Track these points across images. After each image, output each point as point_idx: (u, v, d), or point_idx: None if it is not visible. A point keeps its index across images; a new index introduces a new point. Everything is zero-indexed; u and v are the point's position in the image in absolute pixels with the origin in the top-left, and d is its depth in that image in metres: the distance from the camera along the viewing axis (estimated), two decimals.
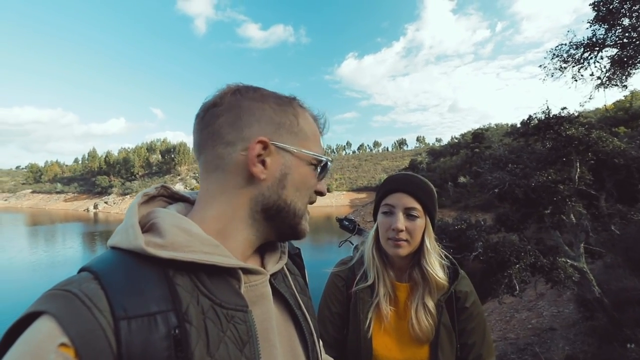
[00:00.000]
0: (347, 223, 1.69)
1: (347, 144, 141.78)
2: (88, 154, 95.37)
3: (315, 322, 0.70)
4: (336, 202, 73.96)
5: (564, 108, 7.06)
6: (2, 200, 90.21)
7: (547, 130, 7.13)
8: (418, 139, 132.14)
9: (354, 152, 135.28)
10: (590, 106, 19.31)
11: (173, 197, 0.65)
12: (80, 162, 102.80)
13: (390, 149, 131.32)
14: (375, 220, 1.25)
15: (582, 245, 6.64)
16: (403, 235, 1.11)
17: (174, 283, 0.47)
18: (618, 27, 6.04)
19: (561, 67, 7.00)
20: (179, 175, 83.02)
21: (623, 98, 25.24)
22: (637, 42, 5.88)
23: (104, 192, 77.65)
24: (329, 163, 0.66)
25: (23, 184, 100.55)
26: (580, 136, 6.54)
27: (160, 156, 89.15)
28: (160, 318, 0.44)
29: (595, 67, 6.67)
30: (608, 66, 6.54)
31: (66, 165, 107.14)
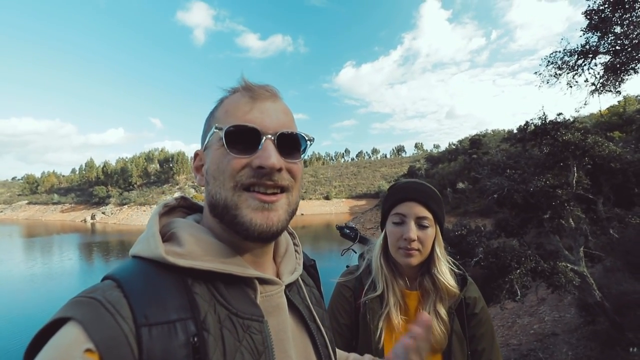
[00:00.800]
0: (348, 231, 1.62)
1: (345, 151, 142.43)
2: (85, 164, 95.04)
3: (330, 335, 0.70)
4: (335, 209, 73.83)
5: (560, 114, 7.16)
6: None
7: (544, 136, 7.20)
8: (416, 146, 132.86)
9: (352, 159, 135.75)
10: (585, 112, 19.55)
11: (192, 208, 0.68)
12: (77, 172, 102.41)
13: (388, 156, 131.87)
14: (382, 229, 1.23)
15: (582, 249, 6.65)
16: (415, 245, 1.10)
17: (192, 292, 0.49)
18: (610, 35, 6.17)
19: (556, 74, 7.11)
20: (177, 184, 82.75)
21: (617, 103, 25.58)
22: (629, 49, 6.00)
23: (101, 202, 77.17)
24: (237, 127, 0.54)
25: (19, 195, 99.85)
26: (577, 141, 6.61)
27: (158, 166, 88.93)
28: (180, 326, 0.45)
29: (589, 73, 6.80)
30: (602, 72, 6.66)
31: (63, 176, 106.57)
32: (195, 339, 0.45)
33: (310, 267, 0.79)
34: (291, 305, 0.62)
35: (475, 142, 40.91)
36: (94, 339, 0.40)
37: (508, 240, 7.53)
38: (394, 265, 1.19)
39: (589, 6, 6.16)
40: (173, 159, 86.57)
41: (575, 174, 6.81)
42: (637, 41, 5.84)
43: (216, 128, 0.54)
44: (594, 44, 6.45)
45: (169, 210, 0.63)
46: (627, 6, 5.71)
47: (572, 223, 6.65)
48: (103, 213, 70.08)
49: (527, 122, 7.65)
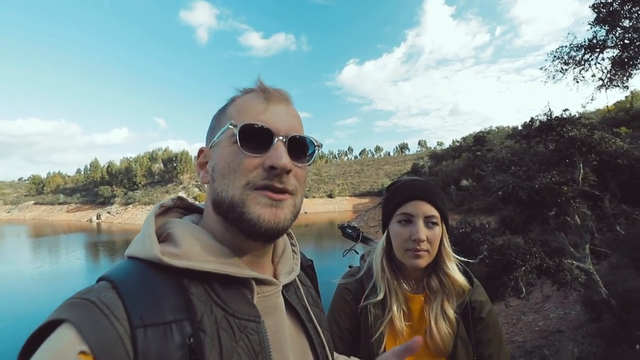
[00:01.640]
0: (350, 231, 1.55)
1: (348, 149, 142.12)
2: (90, 164, 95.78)
3: (328, 335, 0.70)
4: (339, 207, 73.82)
5: (566, 109, 7.07)
6: (5, 212, 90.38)
7: (549, 132, 7.13)
8: (420, 143, 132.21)
9: (356, 157, 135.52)
10: (592, 107, 19.34)
11: (188, 209, 0.67)
12: (82, 172, 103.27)
13: (392, 154, 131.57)
14: (384, 230, 1.17)
15: (588, 246, 6.59)
16: (424, 246, 1.05)
17: (188, 292, 0.48)
18: (618, 29, 6.08)
19: (562, 69, 7.03)
20: (181, 184, 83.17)
21: (624, 99, 25.25)
22: (638, 43, 5.91)
23: (106, 202, 77.74)
24: (251, 125, 0.54)
25: (25, 195, 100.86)
26: (583, 137, 6.53)
27: (162, 165, 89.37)
28: (176, 327, 0.45)
29: (597, 68, 6.71)
30: (609, 67, 6.57)
31: (68, 176, 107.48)
32: (192, 340, 0.45)
33: (307, 267, 0.79)
34: (288, 306, 0.62)
35: (480, 139, 40.67)
36: (88, 341, 0.39)
37: (513, 237, 7.50)
38: (397, 268, 1.15)
39: None
40: (177, 159, 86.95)
41: (581, 171, 6.74)
42: None
43: (231, 125, 0.54)
44: (602, 37, 6.36)
45: (165, 211, 0.63)
46: None
47: (578, 220, 6.58)
48: (108, 213, 70.64)
49: (532, 118, 7.58)
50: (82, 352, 0.39)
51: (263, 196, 0.53)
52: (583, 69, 6.83)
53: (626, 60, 6.22)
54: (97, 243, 38.72)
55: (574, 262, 6.07)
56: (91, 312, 0.42)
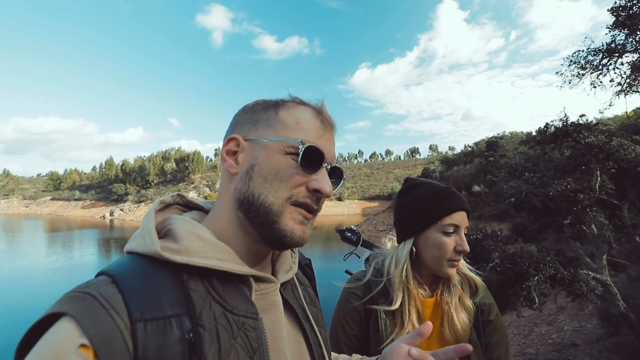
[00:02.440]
0: (349, 234, 1.47)
1: (358, 152, 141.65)
2: (105, 162, 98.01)
3: (325, 335, 0.69)
4: (348, 210, 73.62)
5: (582, 115, 6.89)
6: (24, 206, 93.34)
7: (565, 138, 6.96)
8: (431, 147, 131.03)
9: (366, 160, 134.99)
10: (610, 113, 18.84)
11: (188, 206, 0.67)
12: (97, 170, 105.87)
13: (402, 158, 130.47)
14: (410, 236, 1.12)
15: (605, 256, 6.38)
16: (461, 256, 1.08)
17: (188, 288, 0.49)
18: (638, 32, 5.90)
19: (579, 74, 6.87)
20: (192, 183, 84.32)
21: None
22: None
23: (119, 199, 79.36)
24: (315, 148, 0.56)
25: (43, 191, 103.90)
26: (600, 144, 6.35)
27: (174, 164, 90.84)
28: (175, 321, 0.45)
29: (615, 73, 6.54)
30: (628, 72, 6.39)
31: (84, 173, 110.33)
32: (191, 335, 0.45)
33: (305, 266, 0.79)
34: (285, 304, 0.62)
35: (492, 145, 39.97)
36: (88, 334, 0.39)
37: (525, 245, 7.31)
38: (419, 276, 1.13)
39: (615, 2, 5.93)
40: (189, 158, 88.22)
41: (599, 178, 6.54)
42: None
43: (301, 142, 0.56)
44: (621, 42, 6.20)
45: (165, 207, 0.63)
46: None
47: (595, 229, 6.38)
48: (121, 210, 72.05)
49: (547, 124, 7.42)
50: (83, 345, 0.39)
51: (299, 213, 0.56)
52: (601, 73, 6.67)
53: None
54: (109, 239, 39.53)
55: (590, 272, 5.88)
56: (91, 305, 0.42)
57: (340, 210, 73.34)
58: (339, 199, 79.52)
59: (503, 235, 8.33)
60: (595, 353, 6.13)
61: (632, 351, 5.21)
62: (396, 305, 1.07)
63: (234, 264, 0.54)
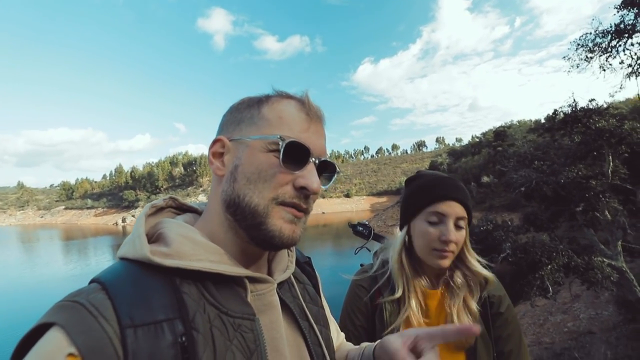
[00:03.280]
0: (361, 229, 1.52)
1: (365, 148, 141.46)
2: (115, 169, 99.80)
3: (326, 334, 0.68)
4: (356, 207, 73.53)
5: (592, 100, 6.75)
6: (39, 217, 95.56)
7: (574, 124, 6.83)
8: (437, 140, 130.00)
9: (372, 156, 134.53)
10: (621, 96, 18.38)
11: (181, 208, 0.67)
12: (108, 178, 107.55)
13: (409, 152, 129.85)
14: (404, 224, 1.14)
15: (620, 243, 6.27)
16: (451, 247, 1.03)
17: (180, 291, 0.48)
18: None
19: (587, 57, 6.73)
20: (201, 186, 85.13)
21: None
22: None
23: (130, 205, 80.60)
24: (297, 143, 0.53)
25: (57, 201, 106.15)
26: (612, 128, 6.21)
27: (182, 169, 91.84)
28: (167, 326, 0.44)
29: (625, 54, 6.38)
30: (639, 53, 6.22)
31: (95, 182, 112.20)
32: (184, 339, 0.44)
33: (305, 264, 0.78)
34: (283, 304, 0.61)
35: (500, 134, 39.37)
36: (76, 342, 0.39)
37: (537, 234, 7.22)
38: (417, 265, 1.13)
39: None
40: (196, 162, 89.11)
41: (611, 164, 6.42)
42: None
43: (280, 138, 0.53)
44: (630, 22, 6.04)
45: (157, 211, 0.62)
46: None
47: (609, 215, 6.27)
48: (132, 216, 73.10)
49: (555, 110, 7.29)
50: (71, 354, 0.39)
51: (287, 212, 0.54)
52: (610, 56, 6.51)
53: None
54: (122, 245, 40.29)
55: (604, 259, 5.79)
56: (80, 314, 0.42)
57: (348, 207, 73.28)
58: (347, 195, 79.42)
59: (514, 225, 8.23)
60: (612, 340, 6.05)
61: None
62: (399, 294, 1.08)
63: (227, 266, 0.53)
